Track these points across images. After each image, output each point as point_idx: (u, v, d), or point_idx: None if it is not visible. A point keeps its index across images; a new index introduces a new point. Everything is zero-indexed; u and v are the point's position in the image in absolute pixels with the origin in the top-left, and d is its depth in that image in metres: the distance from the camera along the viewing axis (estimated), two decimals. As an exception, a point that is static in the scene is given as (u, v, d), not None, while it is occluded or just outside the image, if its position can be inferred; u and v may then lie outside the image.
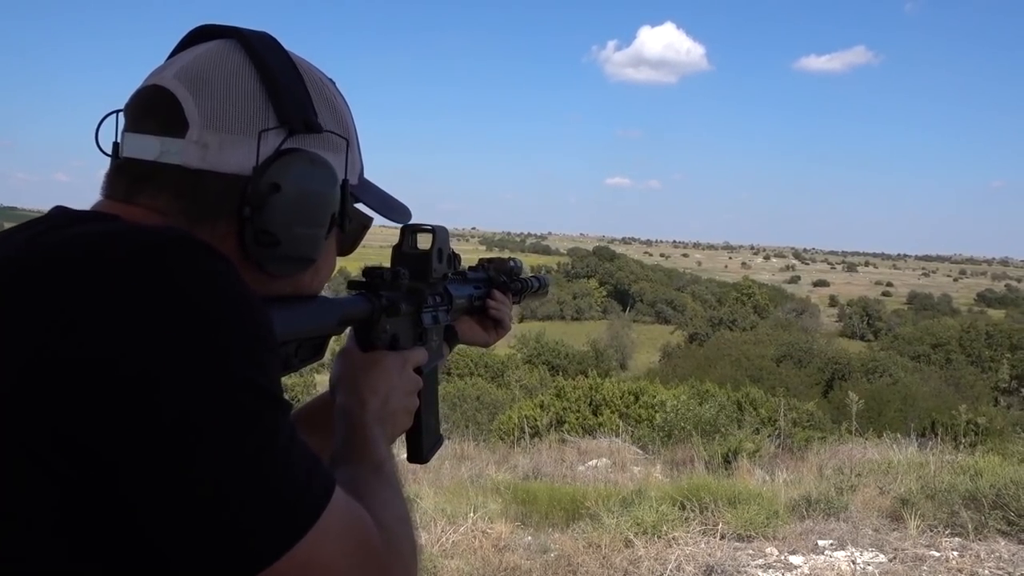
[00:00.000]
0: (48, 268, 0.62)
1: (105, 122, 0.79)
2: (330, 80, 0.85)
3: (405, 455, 1.08)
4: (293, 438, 0.65)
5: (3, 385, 0.59)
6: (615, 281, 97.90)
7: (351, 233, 0.86)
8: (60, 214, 0.73)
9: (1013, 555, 4.68)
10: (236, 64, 0.76)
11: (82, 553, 0.60)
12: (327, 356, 0.90)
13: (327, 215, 0.79)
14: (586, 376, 14.87)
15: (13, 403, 0.59)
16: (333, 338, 0.88)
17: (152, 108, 0.75)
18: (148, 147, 0.74)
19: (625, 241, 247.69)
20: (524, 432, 10.52)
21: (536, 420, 11.61)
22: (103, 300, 0.60)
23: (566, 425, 11.89)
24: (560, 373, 28.14)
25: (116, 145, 0.78)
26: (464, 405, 16.38)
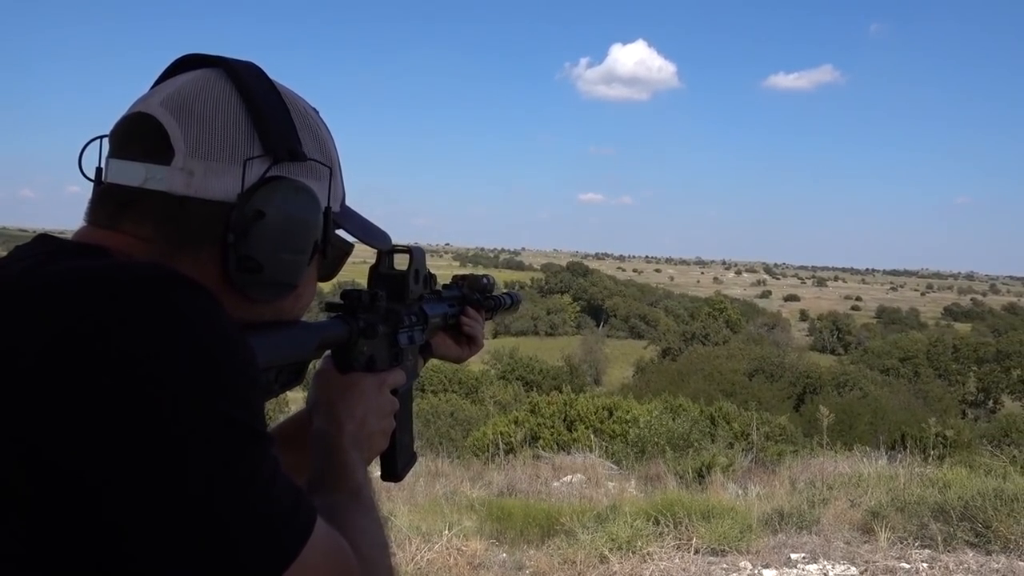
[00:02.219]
0: (46, 297, 0.63)
1: (89, 147, 0.80)
2: (314, 109, 0.86)
3: (379, 473, 1.10)
4: (276, 471, 0.66)
5: None
6: (588, 296, 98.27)
7: (332, 259, 0.87)
8: (46, 247, 0.74)
9: (981, 566, 4.75)
10: (222, 93, 0.77)
11: None
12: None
13: (310, 242, 0.80)
14: (560, 392, 14.89)
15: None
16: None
17: (138, 135, 0.76)
18: (133, 173, 0.75)
19: (598, 257, 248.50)
20: (498, 448, 10.49)
21: (510, 436, 11.58)
22: (101, 330, 0.61)
23: (540, 441, 11.88)
24: (534, 389, 28.13)
25: (99, 171, 0.79)
26: (438, 421, 16.34)
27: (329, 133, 0.87)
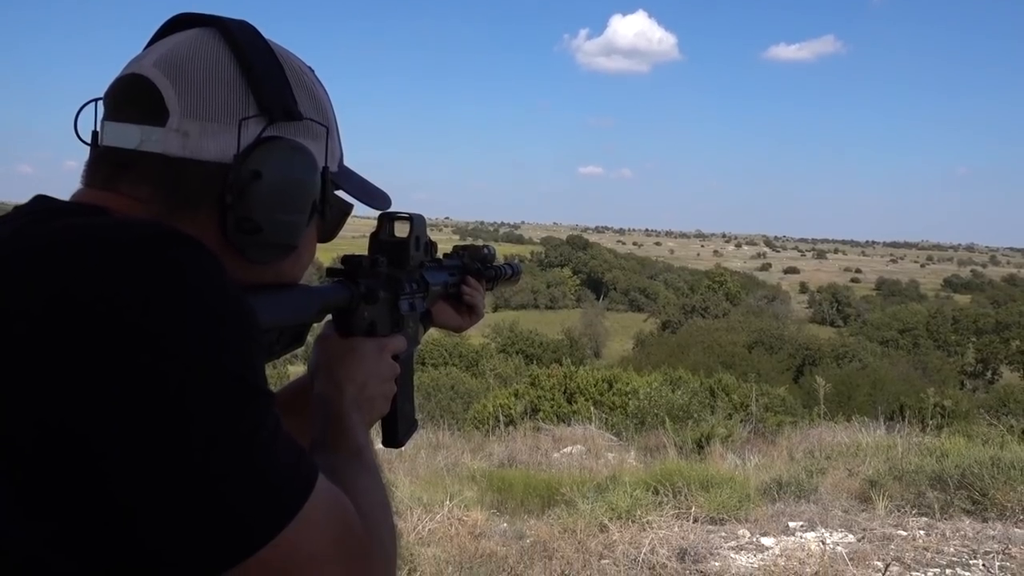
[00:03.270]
0: (42, 255, 0.62)
1: (84, 111, 0.79)
2: (309, 68, 0.85)
3: (380, 440, 1.10)
4: (278, 429, 0.66)
5: None
6: (588, 270, 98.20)
7: (332, 220, 0.87)
8: (42, 206, 0.73)
9: (977, 533, 4.79)
10: (216, 52, 0.76)
11: (56, 543, 0.60)
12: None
13: (308, 202, 0.80)
14: (560, 364, 14.93)
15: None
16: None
17: (132, 97, 0.76)
18: (129, 135, 0.74)
19: (598, 230, 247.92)
20: (499, 421, 10.56)
21: (511, 409, 11.65)
22: (99, 288, 0.60)
23: (540, 413, 11.94)
24: (534, 362, 28.18)
25: (95, 134, 0.78)
26: (439, 394, 16.38)
27: (325, 92, 0.86)
